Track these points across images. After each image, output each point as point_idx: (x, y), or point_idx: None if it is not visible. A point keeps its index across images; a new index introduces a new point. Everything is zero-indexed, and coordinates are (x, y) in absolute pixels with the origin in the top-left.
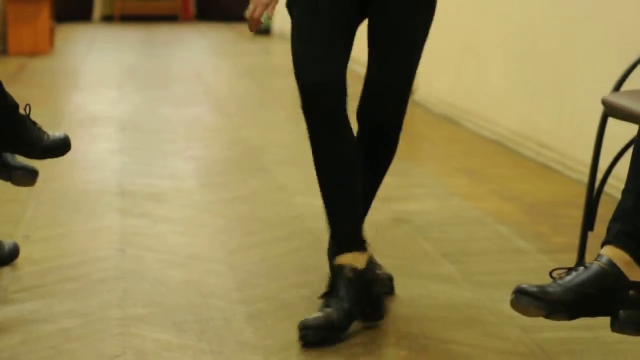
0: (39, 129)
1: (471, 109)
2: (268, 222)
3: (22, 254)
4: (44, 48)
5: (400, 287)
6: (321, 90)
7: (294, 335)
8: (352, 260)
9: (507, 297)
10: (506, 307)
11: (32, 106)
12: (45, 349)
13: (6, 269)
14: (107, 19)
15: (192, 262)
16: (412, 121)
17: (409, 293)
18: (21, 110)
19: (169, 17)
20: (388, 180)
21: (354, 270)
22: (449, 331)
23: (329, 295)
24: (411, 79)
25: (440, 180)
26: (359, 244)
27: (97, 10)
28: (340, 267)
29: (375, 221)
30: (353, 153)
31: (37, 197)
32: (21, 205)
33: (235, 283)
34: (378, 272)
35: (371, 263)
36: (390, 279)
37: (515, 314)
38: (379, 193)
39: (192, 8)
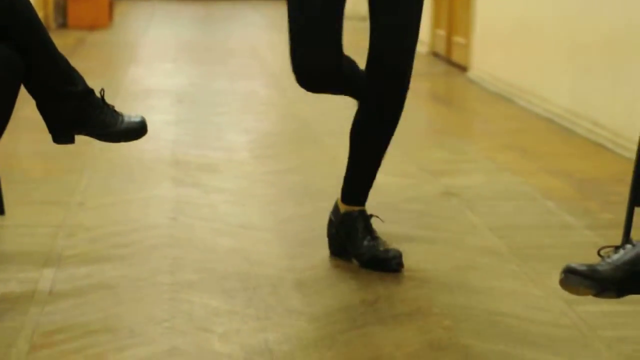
0: (114, 111)
1: (524, 86)
2: (319, 193)
3: (76, 221)
4: (102, 22)
5: (447, 258)
6: (317, 73)
7: (338, 302)
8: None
9: (553, 270)
10: (551, 280)
11: (89, 78)
12: (96, 312)
13: (60, 235)
14: None
15: (242, 231)
16: (465, 98)
17: (456, 264)
18: (97, 94)
19: None
20: (439, 154)
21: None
22: (493, 302)
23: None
24: (415, 29)
25: (490, 156)
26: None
27: None
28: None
29: (425, 194)
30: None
31: (93, 167)
32: (77, 175)
33: (283, 251)
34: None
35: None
36: None
37: (560, 287)
38: (430, 167)
39: None
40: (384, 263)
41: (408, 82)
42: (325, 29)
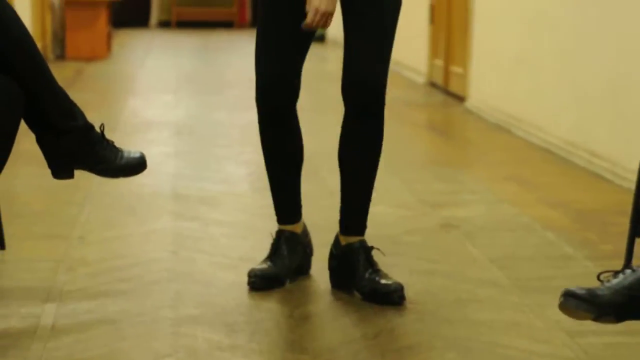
0: (114, 146)
1: (523, 117)
2: (318, 226)
3: (76, 255)
4: (101, 53)
5: (448, 291)
6: (274, 88)
7: (340, 336)
8: (292, 228)
9: (554, 302)
10: (553, 311)
11: (88, 110)
12: (99, 347)
13: (61, 270)
14: (164, 24)
15: (242, 264)
16: (463, 128)
17: (457, 297)
18: (97, 129)
19: (225, 24)
20: (438, 185)
21: (293, 233)
22: (495, 335)
23: (272, 255)
24: (387, 47)
25: (489, 187)
26: (299, 217)
27: (154, 16)
28: (282, 231)
29: (425, 226)
30: (297, 143)
31: (93, 200)
32: (77, 208)
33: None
34: (309, 237)
35: (305, 229)
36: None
37: (562, 318)
38: (429, 198)
39: (248, 14)
40: (385, 296)
41: (383, 99)
42: (288, 62)
